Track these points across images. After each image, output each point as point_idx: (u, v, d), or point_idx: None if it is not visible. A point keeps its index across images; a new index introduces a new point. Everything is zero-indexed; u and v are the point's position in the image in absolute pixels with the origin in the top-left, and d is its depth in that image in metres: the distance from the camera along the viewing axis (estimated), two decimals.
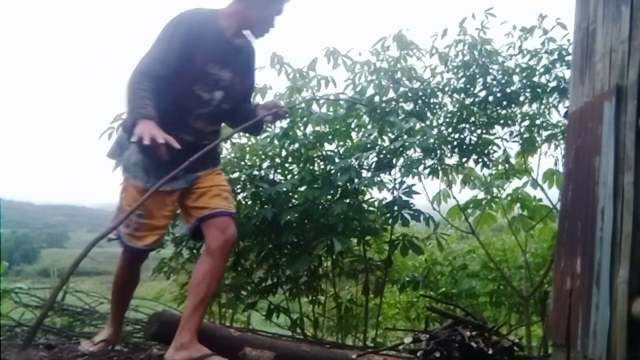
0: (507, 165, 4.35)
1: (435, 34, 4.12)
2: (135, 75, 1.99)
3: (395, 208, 3.64)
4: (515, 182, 4.51)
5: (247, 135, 4.05)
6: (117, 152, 2.21)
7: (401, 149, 3.56)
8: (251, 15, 2.14)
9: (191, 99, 2.12)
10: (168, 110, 2.03)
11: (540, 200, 4.35)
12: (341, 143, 3.89)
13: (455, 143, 4.12)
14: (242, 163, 3.82)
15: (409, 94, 4.04)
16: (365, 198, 3.90)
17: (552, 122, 4.15)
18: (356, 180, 3.43)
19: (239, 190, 3.77)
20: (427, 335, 2.60)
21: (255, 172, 3.71)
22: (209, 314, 3.91)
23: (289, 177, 3.85)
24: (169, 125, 1.95)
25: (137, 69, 2.00)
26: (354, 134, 3.90)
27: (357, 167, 3.55)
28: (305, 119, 3.71)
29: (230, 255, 3.32)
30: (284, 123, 3.80)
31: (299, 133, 3.83)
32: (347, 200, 3.64)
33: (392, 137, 3.76)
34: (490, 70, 4.03)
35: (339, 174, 3.45)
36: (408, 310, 5.53)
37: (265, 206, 3.58)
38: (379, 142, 3.79)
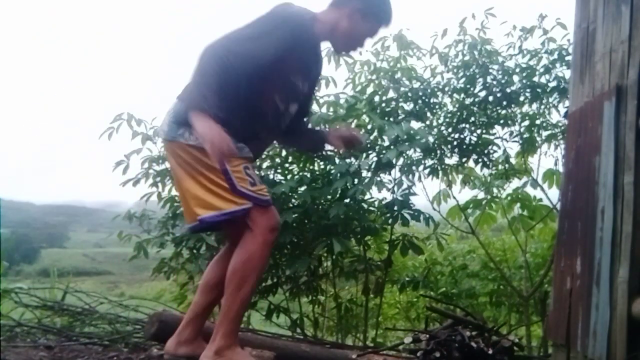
0: (507, 165, 4.35)
1: (435, 34, 4.12)
2: (219, 60, 1.69)
3: (395, 208, 3.64)
4: (515, 182, 4.52)
5: None
6: (174, 130, 1.86)
7: (394, 160, 3.56)
8: (344, 27, 1.96)
9: (269, 108, 1.91)
10: (240, 114, 1.82)
11: (540, 200, 4.35)
12: None
13: (455, 143, 4.12)
14: None
15: (409, 94, 4.04)
16: (365, 198, 3.90)
17: (552, 122, 4.15)
18: (356, 181, 3.43)
19: None
20: (427, 335, 2.60)
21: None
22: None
23: (288, 177, 3.85)
24: (235, 131, 1.75)
25: (223, 55, 1.70)
26: None
27: (357, 167, 3.55)
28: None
29: None
30: None
31: None
32: (347, 201, 3.63)
33: (392, 137, 3.76)
34: (490, 70, 4.03)
35: (338, 175, 3.45)
36: (408, 310, 5.53)
37: None
38: (379, 142, 3.78)
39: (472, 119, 4.13)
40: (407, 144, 3.41)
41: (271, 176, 3.80)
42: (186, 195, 1.87)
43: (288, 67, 1.89)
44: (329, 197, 3.75)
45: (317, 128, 2.22)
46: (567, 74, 3.73)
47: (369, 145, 3.68)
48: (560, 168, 4.00)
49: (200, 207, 1.81)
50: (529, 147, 4.20)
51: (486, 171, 4.35)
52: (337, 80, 3.85)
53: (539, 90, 3.97)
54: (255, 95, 1.85)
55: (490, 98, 4.04)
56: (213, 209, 1.79)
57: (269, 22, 1.81)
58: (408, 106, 4.10)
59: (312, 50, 2.01)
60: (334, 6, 2.00)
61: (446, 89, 4.16)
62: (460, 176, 4.42)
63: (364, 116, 3.77)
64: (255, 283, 1.87)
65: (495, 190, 4.53)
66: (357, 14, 1.96)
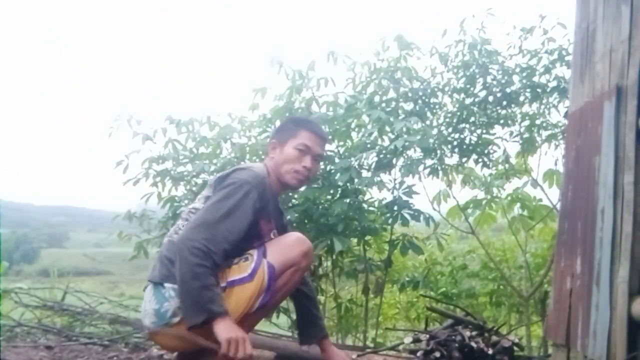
0: (507, 165, 4.35)
1: (435, 34, 4.13)
2: (200, 254, 1.68)
3: (395, 208, 3.64)
4: (515, 182, 4.52)
5: (247, 135, 4.06)
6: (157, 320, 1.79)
7: (401, 149, 3.56)
8: (277, 162, 2.00)
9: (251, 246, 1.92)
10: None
11: (540, 200, 4.35)
12: (341, 143, 3.89)
13: (455, 143, 4.12)
14: (242, 163, 3.81)
15: (409, 94, 4.04)
16: (365, 198, 3.90)
17: (552, 122, 4.15)
18: (356, 180, 3.43)
19: None
20: (427, 335, 2.60)
21: None
22: None
23: None
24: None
25: (202, 245, 1.69)
26: (354, 134, 3.90)
27: (357, 167, 3.55)
28: None
29: None
30: None
31: None
32: (347, 200, 3.63)
33: (392, 137, 3.76)
34: (490, 70, 4.03)
35: (339, 174, 3.45)
36: (408, 310, 5.53)
37: None
38: (379, 142, 3.79)
39: (472, 119, 4.13)
40: (413, 137, 3.41)
41: None
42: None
43: (260, 223, 1.91)
44: (329, 196, 3.75)
45: (320, 325, 2.20)
46: (567, 74, 3.73)
47: (368, 146, 3.68)
48: (560, 168, 4.00)
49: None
50: (529, 147, 4.20)
51: (486, 171, 4.36)
52: (336, 80, 3.85)
53: (539, 90, 3.97)
54: (237, 249, 1.86)
55: (490, 98, 4.04)
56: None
57: (235, 194, 1.81)
58: (408, 106, 4.10)
59: (275, 204, 2.07)
60: (267, 154, 2.09)
61: (446, 89, 4.16)
62: (460, 176, 4.42)
63: (364, 116, 3.77)
64: None
65: (495, 190, 4.53)
66: (275, 143, 2.04)
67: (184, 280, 1.67)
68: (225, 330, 1.64)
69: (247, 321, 1.84)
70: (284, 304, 3.96)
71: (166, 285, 1.77)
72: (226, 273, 1.81)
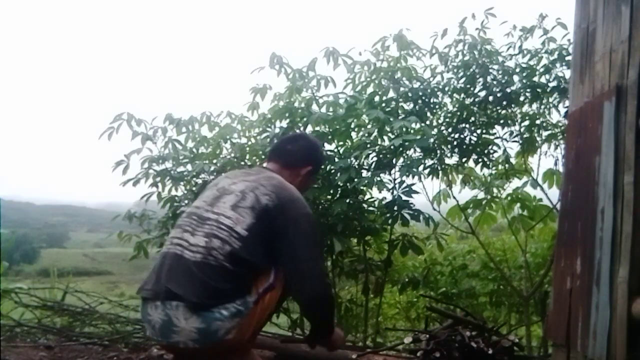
0: (507, 165, 4.35)
1: (435, 34, 4.12)
2: (329, 292, 1.95)
3: (395, 208, 3.64)
4: (515, 182, 4.52)
5: (247, 135, 4.06)
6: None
7: (401, 148, 3.56)
8: (299, 185, 2.11)
9: None
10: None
11: (540, 200, 4.35)
12: (341, 143, 3.89)
13: (455, 143, 4.12)
14: (242, 163, 3.82)
15: (409, 94, 4.03)
16: (365, 198, 3.90)
17: (552, 122, 4.15)
18: (356, 180, 3.43)
19: None
20: (427, 335, 2.61)
21: None
22: None
23: None
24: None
25: (326, 281, 1.95)
26: (354, 134, 3.90)
27: (357, 167, 3.55)
28: (305, 119, 3.71)
29: None
30: (284, 123, 3.80)
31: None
32: (347, 200, 3.63)
33: (392, 136, 3.76)
34: (490, 70, 4.03)
35: (338, 174, 3.45)
36: (408, 310, 5.53)
37: None
38: (379, 142, 3.79)
39: (472, 119, 4.13)
40: (412, 136, 3.41)
41: None
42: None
43: None
44: (329, 196, 3.75)
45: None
46: (567, 74, 3.73)
47: (368, 145, 3.68)
48: (560, 168, 4.00)
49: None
50: (529, 147, 4.20)
51: (486, 171, 4.35)
52: (336, 80, 3.85)
53: (539, 90, 3.97)
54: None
55: (490, 98, 4.03)
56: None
57: (311, 225, 1.92)
58: (408, 106, 4.10)
59: None
60: (289, 167, 2.12)
61: (446, 89, 4.16)
62: (460, 176, 4.42)
63: (364, 116, 3.77)
64: None
65: (495, 190, 4.52)
66: (312, 171, 2.18)
67: (326, 323, 1.98)
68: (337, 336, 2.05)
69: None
70: (284, 304, 3.96)
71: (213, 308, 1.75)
72: (258, 282, 1.82)
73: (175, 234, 1.88)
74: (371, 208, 3.87)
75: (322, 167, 2.21)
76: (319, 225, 1.94)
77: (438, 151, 3.99)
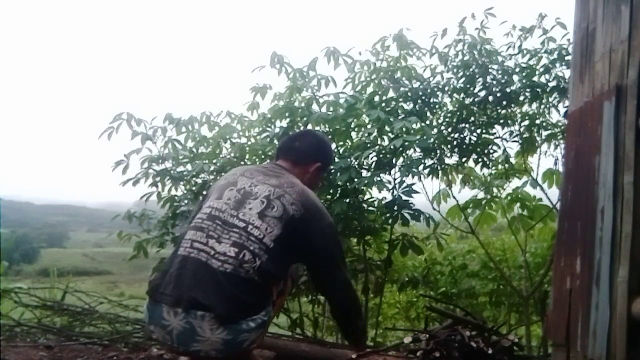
0: (507, 165, 4.35)
1: (435, 34, 4.12)
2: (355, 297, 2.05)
3: (395, 208, 3.64)
4: (515, 182, 4.52)
5: (247, 135, 4.06)
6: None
7: (401, 149, 3.56)
8: (307, 183, 2.09)
9: None
10: None
11: (540, 200, 4.35)
12: (341, 143, 3.89)
13: (455, 143, 4.12)
14: (242, 163, 3.82)
15: (409, 94, 4.03)
16: (366, 198, 3.90)
17: (552, 122, 4.15)
18: (356, 180, 3.43)
19: None
20: (427, 335, 2.61)
21: None
22: None
23: None
24: None
25: (353, 289, 2.05)
26: (354, 134, 3.90)
27: (357, 167, 3.55)
28: (305, 119, 3.71)
29: None
30: (284, 123, 3.80)
31: None
32: (347, 200, 3.63)
33: (392, 136, 3.76)
34: (490, 70, 4.03)
35: (339, 174, 3.45)
36: (408, 310, 5.53)
37: None
38: (379, 142, 3.79)
39: (472, 119, 4.13)
40: (412, 136, 3.41)
41: None
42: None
43: None
44: (329, 196, 3.75)
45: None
46: (567, 74, 3.73)
47: (368, 145, 3.68)
48: (560, 168, 4.00)
49: None
50: (529, 147, 4.20)
51: (486, 171, 4.35)
52: (337, 80, 3.85)
53: (539, 90, 3.97)
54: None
55: (490, 98, 4.03)
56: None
57: (335, 232, 2.01)
58: (408, 106, 4.10)
59: None
60: (298, 164, 2.12)
61: (446, 89, 4.16)
62: (460, 176, 4.42)
63: (364, 116, 3.77)
64: None
65: (495, 190, 4.53)
66: (321, 167, 2.17)
67: (361, 323, 2.04)
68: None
69: None
70: (284, 304, 3.97)
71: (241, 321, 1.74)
72: (274, 289, 1.86)
73: (197, 238, 1.81)
74: (371, 208, 3.86)
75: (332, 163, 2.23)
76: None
77: (438, 151, 3.99)
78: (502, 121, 4.14)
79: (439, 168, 4.07)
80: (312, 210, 1.87)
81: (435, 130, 4.06)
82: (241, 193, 1.88)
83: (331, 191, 3.71)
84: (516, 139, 4.22)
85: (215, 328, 1.68)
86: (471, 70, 4.04)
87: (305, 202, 1.87)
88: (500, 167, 4.40)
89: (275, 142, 3.80)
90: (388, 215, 3.69)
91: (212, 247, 1.76)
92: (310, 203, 1.89)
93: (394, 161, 3.75)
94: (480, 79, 4.06)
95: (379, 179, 3.58)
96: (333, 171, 3.62)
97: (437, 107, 4.21)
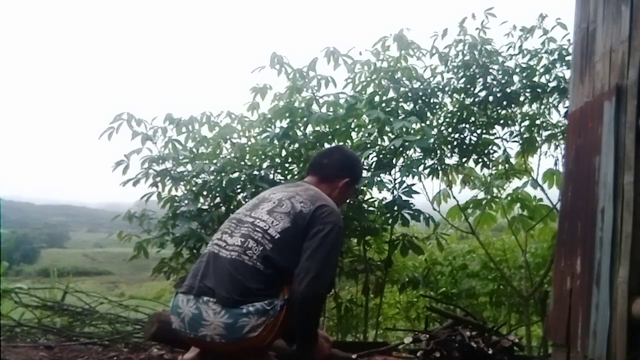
0: (507, 165, 4.35)
1: (435, 34, 4.12)
2: (320, 302, 1.97)
3: (395, 208, 3.64)
4: (515, 182, 4.52)
5: (247, 135, 4.06)
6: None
7: (401, 149, 3.56)
8: (337, 198, 2.13)
9: None
10: None
11: (541, 200, 4.35)
12: (341, 143, 3.89)
13: (455, 143, 4.12)
14: (242, 163, 3.82)
15: (409, 94, 4.04)
16: (366, 198, 3.90)
17: (552, 122, 4.15)
18: None
19: (239, 190, 3.77)
20: (427, 335, 2.61)
21: (255, 172, 3.71)
22: None
23: (289, 177, 3.85)
24: None
25: (327, 287, 1.95)
26: (354, 134, 3.90)
27: None
28: (305, 119, 3.71)
29: None
30: (284, 123, 3.80)
31: (299, 133, 3.83)
32: (348, 201, 3.63)
33: (392, 136, 3.76)
34: (490, 70, 4.03)
35: None
36: (408, 310, 5.53)
37: None
38: (379, 142, 3.79)
39: (472, 119, 4.13)
40: (412, 136, 3.41)
41: (271, 176, 3.80)
42: None
43: None
44: None
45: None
46: (567, 74, 3.73)
47: (368, 145, 3.68)
48: (560, 168, 4.00)
49: None
50: (529, 147, 4.20)
51: (486, 171, 4.35)
52: (336, 80, 3.85)
53: (539, 90, 3.97)
54: None
55: (490, 98, 4.04)
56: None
57: (337, 237, 1.93)
58: (408, 106, 4.10)
59: None
60: (326, 180, 2.14)
61: (446, 89, 4.16)
62: (460, 176, 4.42)
63: (364, 116, 3.77)
64: None
65: (495, 190, 4.52)
66: (349, 183, 2.18)
67: (310, 326, 1.92)
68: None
69: None
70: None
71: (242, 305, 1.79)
72: (286, 289, 1.86)
73: (216, 236, 1.97)
74: (371, 208, 3.87)
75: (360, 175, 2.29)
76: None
77: (438, 151, 3.99)
78: (502, 121, 4.14)
79: (439, 168, 4.07)
80: (320, 208, 1.92)
81: (435, 130, 4.06)
82: (259, 199, 2.03)
83: None
84: (516, 139, 4.22)
85: (217, 311, 1.76)
86: (471, 70, 4.04)
87: (315, 201, 1.94)
88: (500, 167, 4.40)
89: (275, 142, 3.80)
90: (388, 215, 3.69)
91: (225, 241, 1.90)
92: (320, 203, 1.94)
93: (394, 161, 3.75)
94: (481, 79, 4.06)
95: (379, 179, 3.58)
96: None
97: (437, 107, 4.21)
